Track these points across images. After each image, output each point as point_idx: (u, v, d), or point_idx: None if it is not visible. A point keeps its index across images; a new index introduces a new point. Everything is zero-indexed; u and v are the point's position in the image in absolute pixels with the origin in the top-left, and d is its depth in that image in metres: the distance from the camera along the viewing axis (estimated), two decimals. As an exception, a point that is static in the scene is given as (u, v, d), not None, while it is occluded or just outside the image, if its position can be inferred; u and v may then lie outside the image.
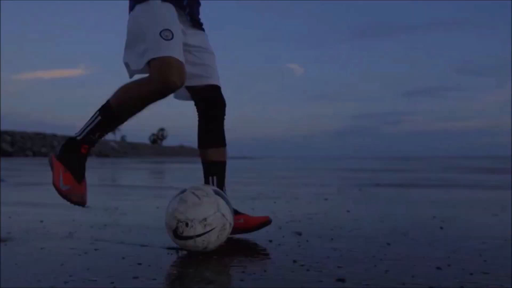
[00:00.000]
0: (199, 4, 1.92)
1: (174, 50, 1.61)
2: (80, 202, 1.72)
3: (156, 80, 1.60)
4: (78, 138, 1.75)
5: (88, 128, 1.74)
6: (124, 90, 1.71)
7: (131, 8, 1.76)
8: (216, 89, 1.91)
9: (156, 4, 1.70)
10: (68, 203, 1.71)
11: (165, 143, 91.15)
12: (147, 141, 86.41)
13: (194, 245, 1.61)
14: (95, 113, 1.74)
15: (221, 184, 1.90)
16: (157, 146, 78.32)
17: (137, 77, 1.76)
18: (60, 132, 36.98)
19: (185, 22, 1.82)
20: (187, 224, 1.59)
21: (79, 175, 1.73)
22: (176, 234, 1.61)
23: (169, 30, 1.64)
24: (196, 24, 1.89)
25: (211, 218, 1.61)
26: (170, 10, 1.71)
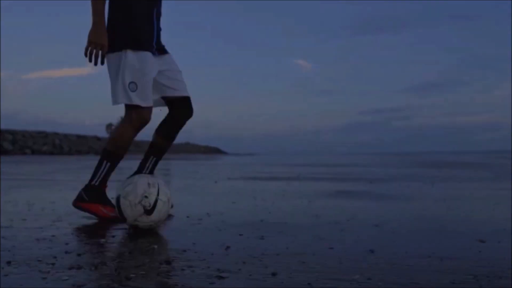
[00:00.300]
0: (160, 30, 2.40)
1: (139, 98, 2.24)
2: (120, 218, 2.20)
3: (134, 120, 2.29)
4: (97, 183, 2.33)
5: (103, 174, 2.33)
6: (115, 134, 2.37)
7: (111, 50, 2.23)
8: (186, 99, 2.45)
9: (129, 55, 2.22)
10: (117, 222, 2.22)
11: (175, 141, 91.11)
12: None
13: (156, 217, 2.07)
14: (102, 162, 2.33)
15: (154, 168, 2.48)
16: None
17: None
18: (69, 131, 37.60)
19: (155, 55, 2.33)
20: (151, 198, 2.06)
21: (111, 204, 2.33)
22: (145, 210, 2.04)
23: (134, 83, 2.22)
24: (162, 50, 2.40)
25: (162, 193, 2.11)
26: (141, 60, 2.23)
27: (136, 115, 2.27)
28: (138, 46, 2.23)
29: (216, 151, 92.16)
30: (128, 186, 2.12)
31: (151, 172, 2.45)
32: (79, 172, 8.09)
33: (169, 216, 2.44)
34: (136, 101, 2.23)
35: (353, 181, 5.92)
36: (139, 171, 2.43)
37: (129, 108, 2.27)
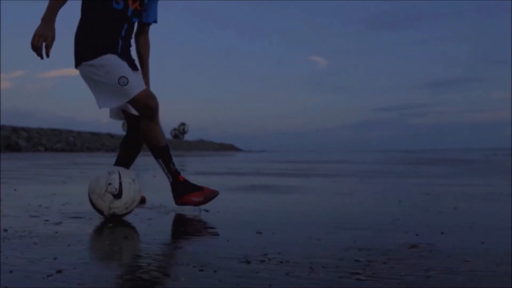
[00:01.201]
0: (130, 46, 2.52)
1: (136, 86, 2.33)
2: (215, 193, 2.51)
3: (150, 103, 2.36)
4: (172, 180, 2.47)
5: (167, 168, 2.46)
6: (146, 133, 2.43)
7: (87, 58, 2.32)
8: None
9: (104, 59, 2.31)
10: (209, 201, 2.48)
11: (186, 138, 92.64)
12: (169, 136, 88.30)
13: (126, 200, 2.22)
14: (158, 161, 2.46)
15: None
16: (178, 141, 79.93)
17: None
18: (85, 129, 38.81)
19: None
20: (116, 184, 2.22)
21: (197, 187, 2.48)
22: (114, 195, 2.20)
23: (124, 77, 2.29)
24: (134, 66, 2.49)
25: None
26: (115, 59, 2.33)
27: (146, 98, 2.34)
28: (107, 50, 2.33)
29: (231, 148, 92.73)
30: (91, 183, 2.28)
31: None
32: (53, 167, 8.41)
33: (143, 200, 2.74)
34: (136, 90, 2.31)
35: (294, 177, 6.43)
36: None
37: (136, 99, 2.32)
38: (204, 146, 72.03)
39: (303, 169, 9.08)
